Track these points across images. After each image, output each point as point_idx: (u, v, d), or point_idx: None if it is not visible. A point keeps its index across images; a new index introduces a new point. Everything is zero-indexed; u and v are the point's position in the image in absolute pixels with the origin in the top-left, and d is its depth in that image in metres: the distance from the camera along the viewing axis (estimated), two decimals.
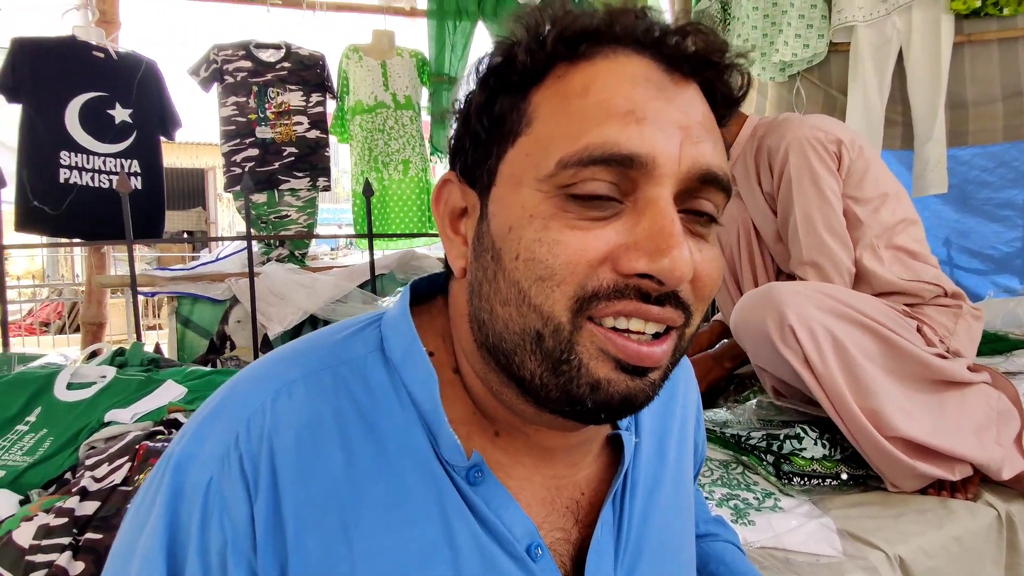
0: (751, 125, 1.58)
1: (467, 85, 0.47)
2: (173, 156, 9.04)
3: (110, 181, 2.34)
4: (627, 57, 0.41)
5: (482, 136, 0.44)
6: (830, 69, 2.89)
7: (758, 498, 1.14)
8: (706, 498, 1.15)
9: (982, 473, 1.20)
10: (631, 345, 0.39)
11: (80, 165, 2.29)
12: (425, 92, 2.93)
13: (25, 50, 2.24)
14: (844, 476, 1.20)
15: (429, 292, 0.53)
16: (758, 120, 1.59)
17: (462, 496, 0.44)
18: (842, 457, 1.21)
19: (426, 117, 2.95)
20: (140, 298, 1.89)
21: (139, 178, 2.41)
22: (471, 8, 2.86)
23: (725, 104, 0.45)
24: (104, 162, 2.33)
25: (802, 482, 1.17)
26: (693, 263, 0.39)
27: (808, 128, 1.41)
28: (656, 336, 0.41)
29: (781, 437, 1.21)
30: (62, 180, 2.26)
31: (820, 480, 1.18)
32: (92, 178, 2.31)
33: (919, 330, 1.28)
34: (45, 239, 2.59)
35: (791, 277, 1.45)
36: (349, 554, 0.41)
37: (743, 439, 1.28)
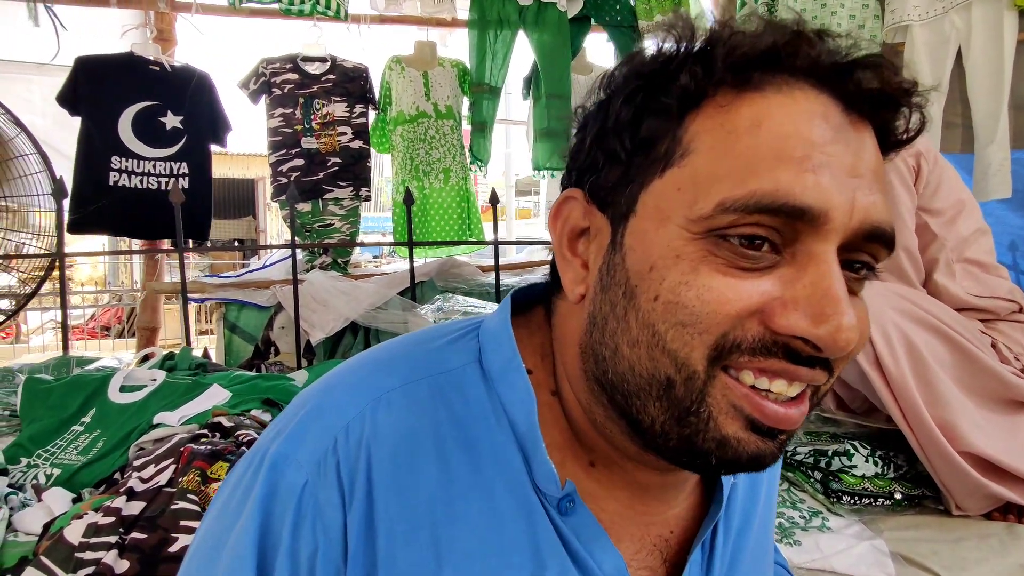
0: None
1: (601, 94, 0.43)
2: (225, 167, 9.35)
3: (158, 183, 2.43)
4: (803, 92, 0.37)
5: (621, 157, 0.41)
6: None
7: (804, 517, 1.10)
8: None
9: None
10: (769, 406, 0.37)
11: (130, 169, 2.39)
12: (466, 101, 2.95)
13: (86, 67, 2.36)
14: (898, 496, 1.14)
15: (527, 303, 0.51)
16: None
17: (554, 526, 0.43)
18: (896, 475, 1.16)
19: (467, 126, 2.97)
20: (193, 304, 1.95)
21: (187, 179, 2.49)
22: (512, 18, 2.87)
23: (894, 147, 0.41)
24: (154, 166, 2.43)
25: (852, 501, 1.12)
26: (859, 331, 0.36)
27: None
28: (793, 397, 0.38)
29: (829, 453, 1.16)
30: (111, 183, 2.36)
31: (872, 499, 1.13)
32: (141, 180, 2.41)
33: (994, 346, 1.22)
34: (107, 247, 2.71)
35: None
36: (438, 575, 0.40)
37: (788, 454, 1.23)
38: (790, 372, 0.36)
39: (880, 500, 1.13)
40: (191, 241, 2.62)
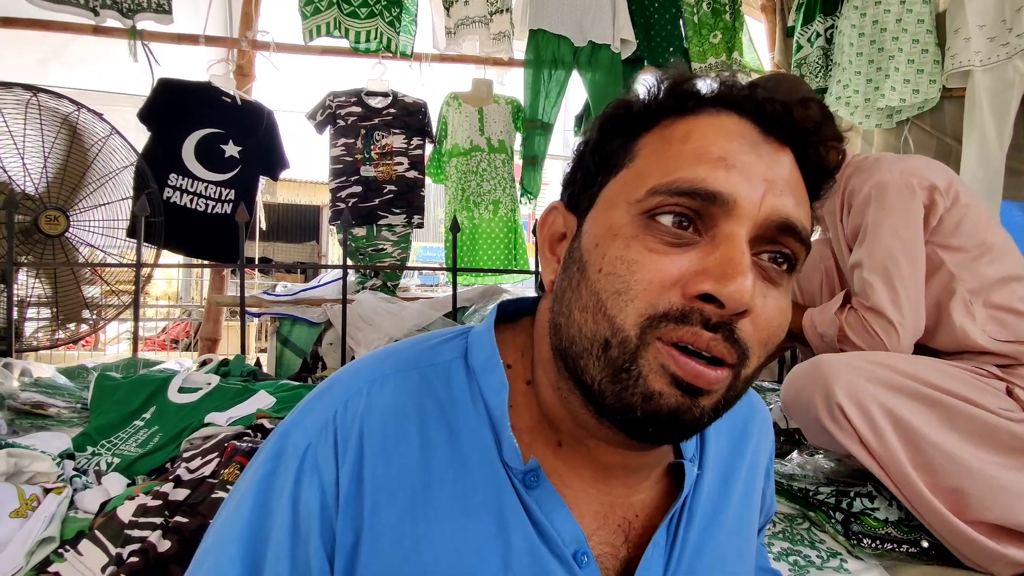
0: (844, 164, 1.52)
1: (586, 135, 0.53)
2: (293, 193, 9.83)
3: (206, 205, 2.62)
4: (728, 116, 0.47)
5: (591, 170, 0.51)
6: (944, 115, 2.73)
7: (821, 556, 1.08)
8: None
9: None
10: (690, 363, 0.42)
11: (183, 187, 2.59)
12: (519, 137, 3.06)
13: (166, 89, 2.61)
14: (925, 544, 1.11)
15: (516, 314, 0.59)
16: (851, 158, 1.52)
17: (519, 497, 0.48)
18: (921, 524, 1.12)
19: (518, 160, 3.08)
20: (254, 323, 2.08)
21: (231, 204, 2.68)
22: (567, 58, 2.98)
23: (817, 176, 0.49)
24: (206, 187, 2.62)
25: (873, 545, 1.10)
26: (754, 294, 0.42)
27: (898, 174, 1.32)
28: (713, 362, 0.43)
29: (851, 494, 1.14)
30: (164, 198, 2.55)
31: (895, 545, 1.10)
32: (191, 200, 2.60)
33: (1009, 392, 1.17)
34: (182, 260, 2.92)
35: None
36: (414, 532, 0.46)
37: (811, 494, 1.21)
38: (703, 337, 0.42)
39: (904, 547, 1.10)
40: (256, 260, 2.79)
